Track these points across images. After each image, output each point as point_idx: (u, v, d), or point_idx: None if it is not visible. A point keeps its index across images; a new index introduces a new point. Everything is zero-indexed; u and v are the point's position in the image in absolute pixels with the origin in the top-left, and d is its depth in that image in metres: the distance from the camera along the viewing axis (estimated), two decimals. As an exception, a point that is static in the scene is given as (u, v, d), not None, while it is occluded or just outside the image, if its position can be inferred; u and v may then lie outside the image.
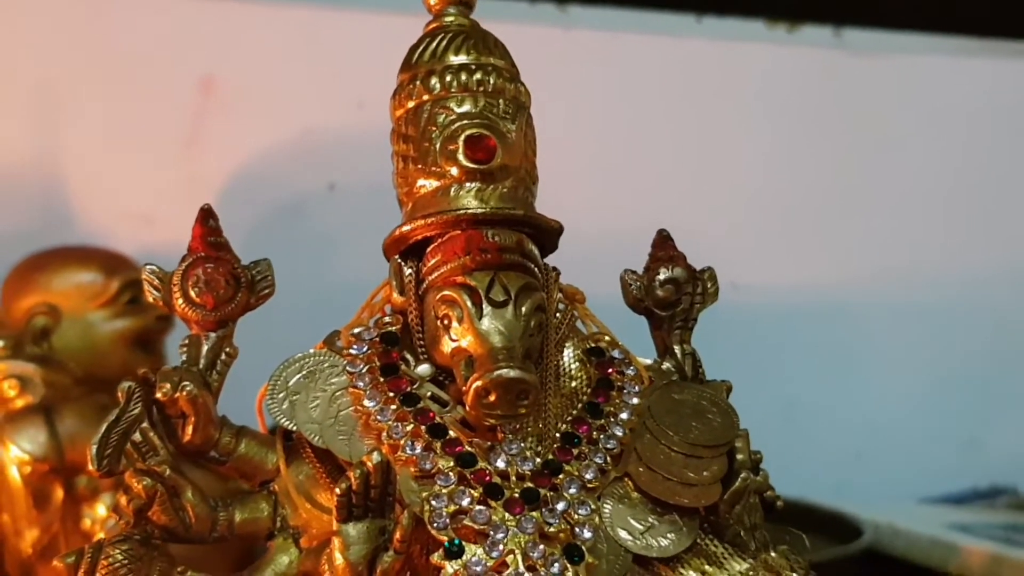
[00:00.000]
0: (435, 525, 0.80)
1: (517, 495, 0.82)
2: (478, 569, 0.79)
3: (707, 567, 0.86)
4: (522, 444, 0.84)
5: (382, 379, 0.85)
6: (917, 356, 2.02)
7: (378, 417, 0.83)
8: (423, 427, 0.83)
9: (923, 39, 2.04)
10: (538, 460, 0.84)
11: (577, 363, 0.90)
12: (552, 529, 0.81)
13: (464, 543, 0.80)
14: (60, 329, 1.34)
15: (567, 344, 0.91)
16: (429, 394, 0.85)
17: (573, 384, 0.89)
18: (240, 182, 1.75)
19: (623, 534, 0.84)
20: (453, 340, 0.83)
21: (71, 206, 1.71)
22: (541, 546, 0.80)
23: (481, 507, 0.80)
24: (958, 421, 2.03)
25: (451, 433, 0.83)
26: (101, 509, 1.27)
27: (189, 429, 0.85)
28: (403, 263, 0.87)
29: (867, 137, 2.00)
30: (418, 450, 0.82)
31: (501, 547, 0.80)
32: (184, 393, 0.84)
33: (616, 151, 1.89)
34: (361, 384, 0.85)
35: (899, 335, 2.02)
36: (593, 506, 0.83)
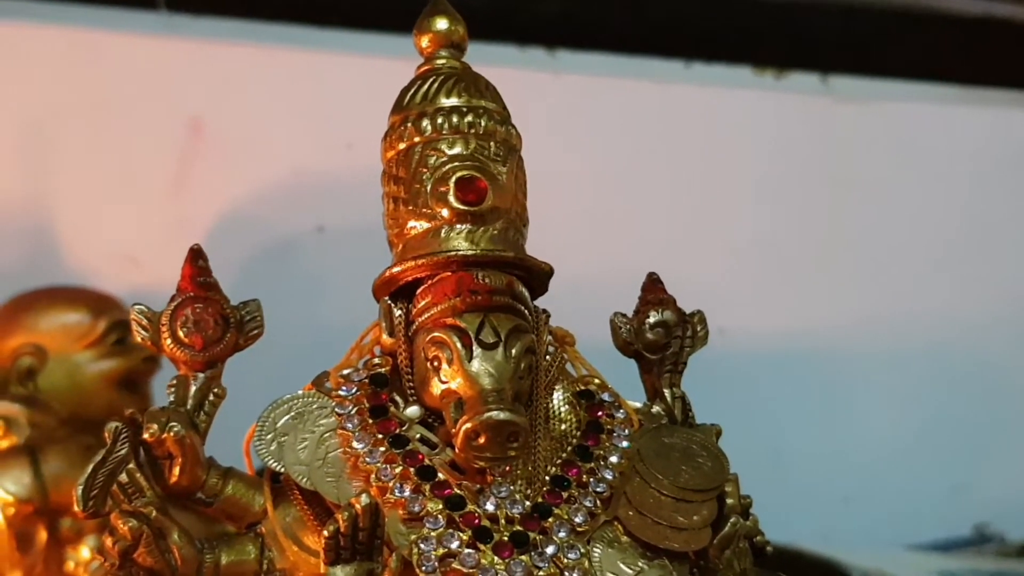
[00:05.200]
0: (423, 568, 0.79)
1: (506, 539, 0.81)
2: (467, 613, 0.78)
3: (697, 612, 0.86)
4: (511, 487, 0.83)
5: (371, 421, 0.85)
6: (905, 402, 2.02)
7: (367, 459, 0.83)
8: (412, 469, 0.83)
9: (909, 87, 2.06)
10: (527, 503, 0.83)
11: (567, 406, 0.90)
12: (541, 573, 0.80)
13: (453, 587, 0.79)
14: (46, 370, 1.33)
15: (557, 387, 0.90)
16: (418, 436, 0.84)
17: (563, 427, 0.89)
18: (228, 224, 1.75)
19: (613, 579, 0.84)
20: (443, 382, 0.83)
21: (58, 246, 1.71)
22: (530, 590, 0.80)
23: (470, 550, 0.80)
24: (946, 467, 2.03)
25: (440, 475, 0.83)
26: (85, 551, 1.26)
27: (176, 470, 0.84)
28: (393, 304, 0.87)
29: (854, 183, 2.01)
30: (407, 492, 0.82)
31: (490, 591, 0.79)
32: (171, 434, 0.83)
33: (604, 195, 1.90)
34: (350, 426, 0.85)
35: (887, 381, 2.02)
36: (582, 550, 0.82)
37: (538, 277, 0.89)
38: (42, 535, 1.26)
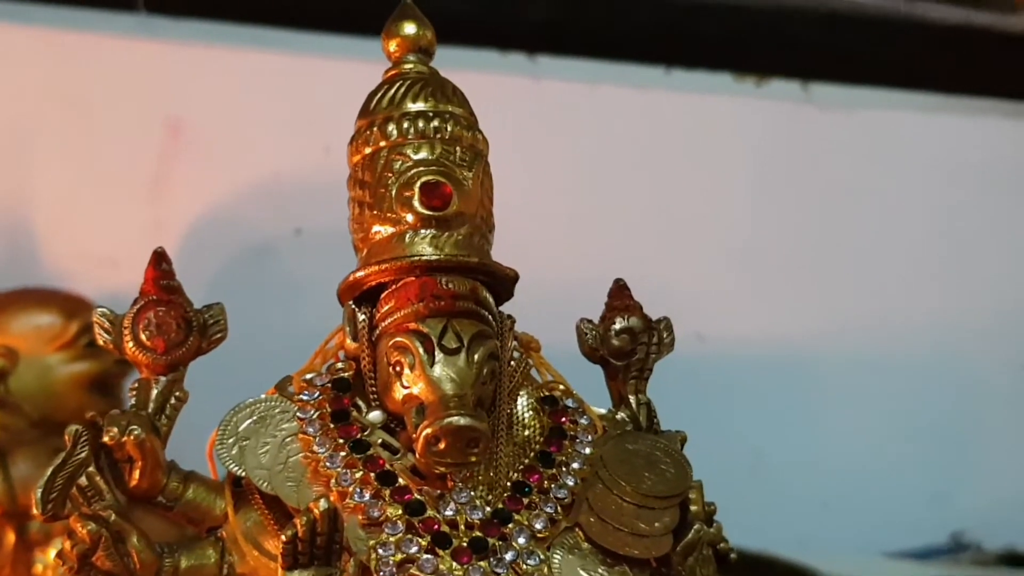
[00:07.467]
0: (382, 574, 0.79)
1: (465, 544, 0.81)
2: (424, 618, 0.78)
3: (657, 620, 0.86)
4: (472, 493, 0.83)
5: (332, 425, 0.84)
6: (884, 409, 2.02)
7: (327, 464, 0.83)
8: (372, 474, 0.82)
9: (889, 95, 2.06)
10: (488, 509, 0.83)
11: (531, 412, 0.89)
12: (500, 579, 0.80)
13: (411, 592, 0.79)
14: (17, 371, 1.33)
15: (521, 392, 0.90)
16: (379, 441, 0.84)
17: (526, 433, 0.88)
18: (206, 226, 1.74)
19: (572, 585, 0.83)
20: (405, 387, 0.83)
21: (35, 247, 1.70)
22: (488, 597, 0.80)
23: (429, 556, 0.80)
24: (924, 475, 2.03)
25: (400, 481, 0.83)
26: (53, 554, 1.25)
27: (136, 474, 0.84)
28: (357, 309, 0.87)
29: (834, 191, 2.01)
30: (367, 497, 0.81)
31: (448, 597, 0.79)
32: (132, 437, 0.83)
33: (583, 200, 1.89)
34: (311, 430, 0.84)
35: (867, 388, 2.02)
36: (542, 556, 0.82)
37: (503, 283, 0.89)
38: (10, 537, 1.25)
